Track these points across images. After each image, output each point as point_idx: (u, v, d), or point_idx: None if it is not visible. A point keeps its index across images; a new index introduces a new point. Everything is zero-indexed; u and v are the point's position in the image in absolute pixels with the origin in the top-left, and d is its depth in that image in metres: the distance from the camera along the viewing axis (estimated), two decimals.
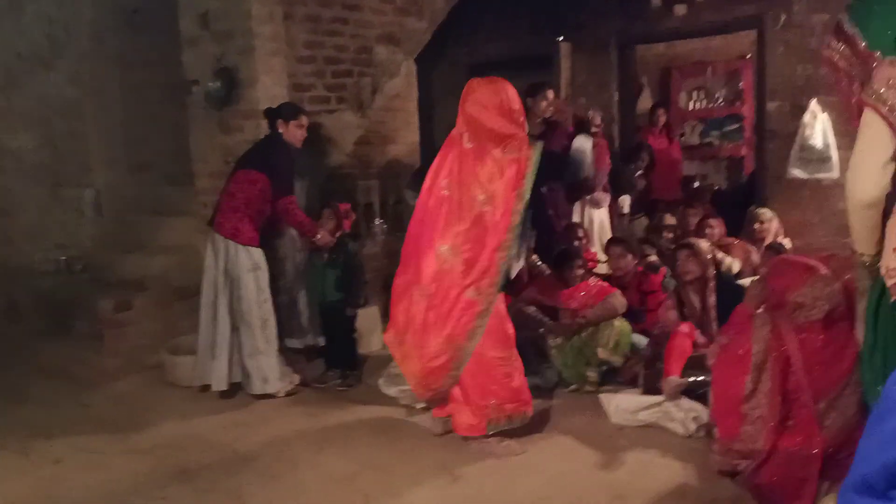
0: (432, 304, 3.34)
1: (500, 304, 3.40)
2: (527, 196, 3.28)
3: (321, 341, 4.64)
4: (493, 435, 3.39)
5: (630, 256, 4.48)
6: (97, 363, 4.71)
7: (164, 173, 5.79)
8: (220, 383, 4.24)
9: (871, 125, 2.03)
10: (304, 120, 4.46)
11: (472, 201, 3.30)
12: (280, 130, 4.36)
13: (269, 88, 4.81)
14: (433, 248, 3.36)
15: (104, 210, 6.01)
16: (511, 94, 3.35)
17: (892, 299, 2.02)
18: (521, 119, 3.37)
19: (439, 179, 3.43)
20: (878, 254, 2.09)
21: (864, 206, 2.05)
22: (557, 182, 3.69)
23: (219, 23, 4.86)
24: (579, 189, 5.06)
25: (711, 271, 3.98)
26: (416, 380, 3.47)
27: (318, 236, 4.38)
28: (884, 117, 1.99)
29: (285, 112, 4.41)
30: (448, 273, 3.32)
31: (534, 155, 3.29)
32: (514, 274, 3.49)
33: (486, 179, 3.29)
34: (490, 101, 3.34)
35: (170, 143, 5.57)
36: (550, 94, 5.11)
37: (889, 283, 2.03)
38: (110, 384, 4.58)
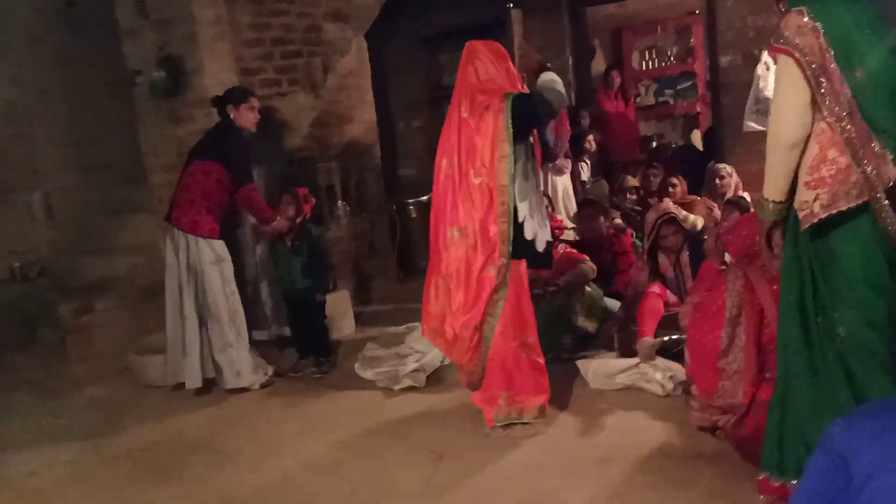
0: (454, 289, 3.23)
1: (519, 285, 3.25)
2: (510, 151, 3.10)
3: (285, 331, 4.57)
4: (501, 426, 3.28)
5: (602, 218, 4.49)
6: (65, 371, 4.61)
7: (117, 171, 5.63)
8: (193, 381, 4.16)
9: (786, 69, 2.16)
10: (255, 102, 4.33)
11: (468, 177, 3.18)
12: (231, 116, 4.24)
13: (217, 75, 4.67)
14: (446, 233, 3.26)
15: (58, 213, 5.83)
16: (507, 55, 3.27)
17: (804, 228, 2.20)
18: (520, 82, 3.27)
19: (442, 158, 3.30)
20: (784, 203, 2.25)
21: (788, 147, 2.18)
22: (541, 125, 3.49)
23: (158, 10, 4.69)
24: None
25: (686, 234, 4.00)
26: (461, 367, 3.37)
27: (275, 223, 4.28)
28: (797, 61, 2.12)
29: (234, 96, 4.28)
30: (461, 257, 3.21)
31: (505, 106, 3.10)
32: (541, 245, 3.28)
33: (479, 147, 3.15)
34: (494, 61, 3.21)
35: (120, 139, 5.41)
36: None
37: (801, 214, 2.20)
38: (81, 391, 4.48)
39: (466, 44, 3.32)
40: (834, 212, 2.15)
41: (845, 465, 1.36)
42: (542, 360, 3.33)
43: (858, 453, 1.34)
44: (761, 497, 2.41)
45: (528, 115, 3.17)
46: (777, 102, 2.20)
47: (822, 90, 2.12)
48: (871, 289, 2.19)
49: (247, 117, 4.26)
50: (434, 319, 3.34)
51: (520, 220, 3.19)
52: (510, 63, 3.29)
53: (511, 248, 3.16)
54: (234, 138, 4.21)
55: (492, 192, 3.14)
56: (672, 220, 3.88)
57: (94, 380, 4.58)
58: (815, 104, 2.15)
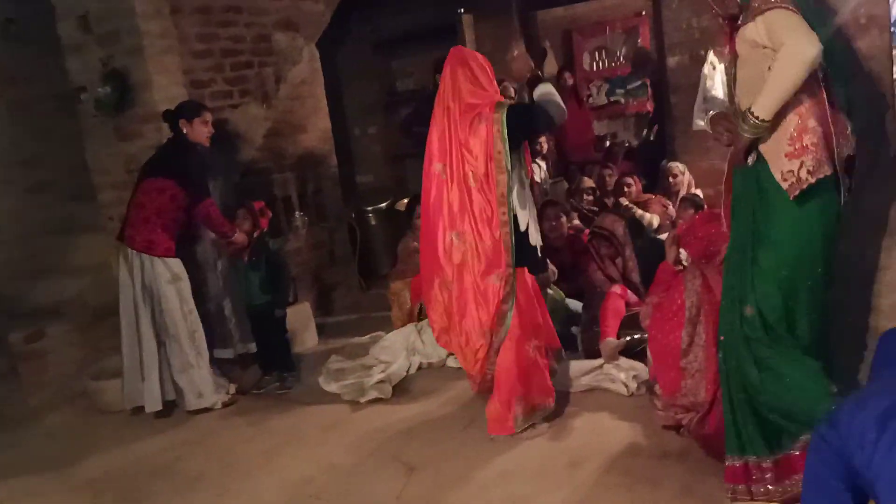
0: (458, 295, 3.22)
1: (527, 291, 3.25)
2: (506, 162, 3.11)
3: (252, 348, 4.50)
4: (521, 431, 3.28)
5: (565, 219, 4.53)
6: (19, 400, 4.45)
7: (62, 190, 5.46)
8: (153, 404, 4.06)
9: (790, 16, 2.20)
10: (208, 116, 4.24)
11: (464, 183, 3.17)
12: (184, 131, 4.15)
13: (166, 88, 4.57)
14: (446, 237, 3.24)
15: (3, 234, 5.63)
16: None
17: (793, 196, 2.27)
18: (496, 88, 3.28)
19: (434, 162, 3.28)
20: (766, 123, 2.27)
21: (810, 63, 2.18)
22: (537, 136, 3.49)
23: (101, 24, 4.57)
24: None
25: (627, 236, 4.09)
26: (470, 374, 3.37)
27: (234, 237, 4.22)
28: (795, 12, 2.19)
29: (186, 110, 4.19)
30: (463, 262, 3.20)
31: (500, 116, 3.10)
32: (539, 251, 3.31)
33: (474, 153, 3.15)
34: (475, 70, 3.22)
35: (65, 157, 5.25)
36: None
37: (786, 185, 2.28)
38: (37, 420, 4.34)
39: (452, 48, 3.34)
40: (821, 176, 2.25)
41: (846, 447, 1.42)
42: (544, 362, 3.35)
43: (864, 433, 1.39)
44: (726, 485, 2.46)
45: (524, 127, 3.19)
46: (792, 31, 2.18)
47: None
48: (801, 268, 2.31)
49: (200, 131, 4.18)
50: (444, 323, 3.32)
51: (522, 228, 3.20)
52: (492, 74, 3.29)
53: (514, 257, 3.17)
54: (188, 154, 4.12)
55: (490, 201, 3.14)
56: (600, 236, 3.95)
57: (50, 408, 4.44)
58: None
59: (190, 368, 4.06)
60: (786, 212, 2.30)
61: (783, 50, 2.18)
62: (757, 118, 2.26)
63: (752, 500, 2.41)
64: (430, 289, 3.36)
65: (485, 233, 3.16)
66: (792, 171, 2.26)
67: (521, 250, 3.21)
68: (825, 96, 2.27)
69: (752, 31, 2.28)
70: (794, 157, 2.26)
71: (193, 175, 4.09)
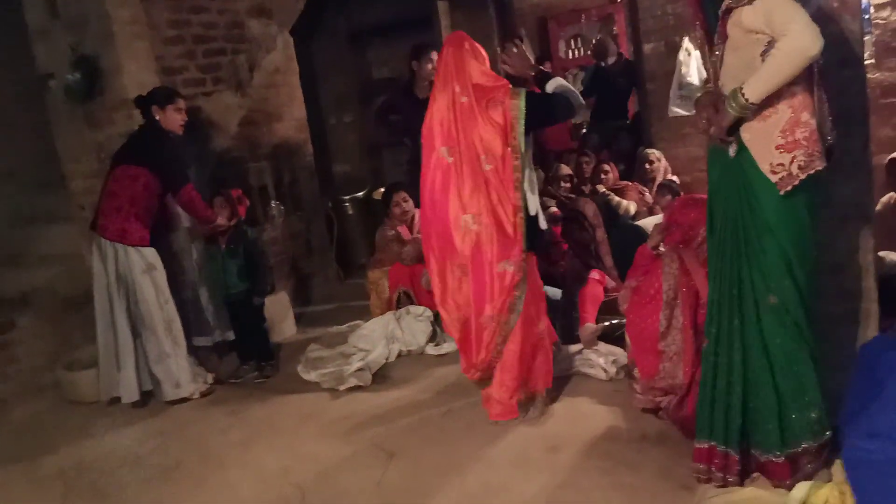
0: (472, 280, 3.17)
1: (534, 277, 3.24)
2: (522, 147, 3.09)
3: (230, 336, 4.46)
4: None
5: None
6: None
7: (31, 179, 5.34)
8: (130, 395, 4.00)
9: (792, 4, 2.16)
10: (182, 103, 4.17)
11: (476, 165, 3.13)
12: (157, 118, 4.07)
13: (136, 75, 4.47)
14: (458, 221, 3.17)
15: None
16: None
17: (784, 192, 2.24)
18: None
19: (438, 146, 3.22)
20: (754, 107, 2.23)
21: (810, 58, 2.14)
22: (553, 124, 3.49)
23: (70, 8, 4.45)
24: None
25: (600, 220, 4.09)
26: (472, 362, 3.27)
27: (217, 220, 4.17)
28: None
29: (159, 97, 4.11)
30: (477, 245, 3.15)
31: (518, 103, 3.07)
32: (543, 227, 3.30)
33: (487, 138, 3.11)
34: (477, 54, 3.20)
35: (31, 145, 5.14)
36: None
37: (776, 178, 2.25)
38: (5, 412, 4.25)
39: (453, 32, 3.33)
40: (812, 171, 2.23)
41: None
42: (549, 344, 3.35)
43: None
44: (693, 464, 2.50)
45: (543, 115, 3.18)
46: (794, 18, 2.13)
47: None
48: (800, 255, 2.29)
49: (173, 119, 4.10)
50: (455, 309, 3.26)
51: (532, 213, 3.19)
52: (485, 54, 3.27)
53: (525, 243, 3.16)
54: (161, 141, 4.04)
55: (506, 185, 3.11)
56: (571, 218, 3.95)
57: (19, 399, 4.35)
58: None
59: (167, 358, 4.01)
60: (773, 202, 2.27)
61: (786, 41, 2.13)
62: (747, 100, 2.21)
63: (711, 482, 2.44)
64: (444, 275, 3.28)
65: (500, 216, 3.14)
66: (783, 165, 2.23)
67: (532, 235, 3.20)
68: (818, 86, 2.26)
69: (749, 16, 2.22)
70: (785, 151, 2.23)
71: (170, 162, 4.02)
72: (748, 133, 2.30)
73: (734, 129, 2.32)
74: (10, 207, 5.39)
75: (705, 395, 2.48)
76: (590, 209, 4.05)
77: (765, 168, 2.26)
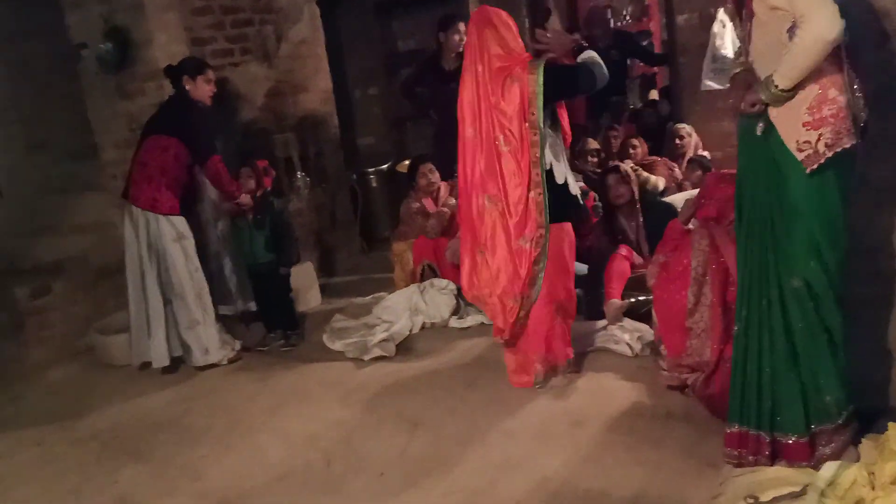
0: (489, 256, 3.23)
1: (562, 242, 3.24)
2: (540, 122, 3.07)
3: (252, 306, 4.51)
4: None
5: (625, 187, 4.47)
6: (23, 355, 4.48)
7: (65, 149, 5.43)
8: (160, 360, 4.10)
9: None
10: (211, 74, 4.20)
11: (494, 145, 3.15)
12: (187, 88, 4.10)
13: (167, 46, 4.51)
14: (479, 201, 3.23)
15: (5, 193, 5.62)
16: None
17: (810, 169, 2.21)
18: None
19: (466, 125, 3.26)
20: (788, 92, 2.20)
21: (832, 44, 2.11)
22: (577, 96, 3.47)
23: None
24: None
25: (637, 192, 4.06)
26: (500, 328, 3.33)
27: (240, 197, 4.21)
28: None
29: (190, 67, 4.13)
30: (493, 224, 3.19)
31: (536, 77, 3.04)
32: (576, 192, 3.30)
33: (506, 117, 3.11)
34: (505, 26, 3.17)
35: (65, 115, 5.21)
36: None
37: (802, 156, 2.22)
38: (42, 374, 4.38)
39: (479, 7, 3.29)
40: (839, 150, 2.19)
41: None
42: (571, 320, 3.39)
43: None
44: (725, 449, 2.48)
45: (565, 87, 3.17)
46: (813, 2, 2.10)
47: None
48: (829, 236, 2.26)
49: (203, 89, 4.14)
50: (480, 288, 3.31)
51: (560, 181, 3.19)
52: (517, 30, 3.25)
53: (549, 215, 3.15)
54: (191, 111, 4.08)
55: (520, 163, 3.11)
56: (615, 170, 3.94)
57: (54, 362, 4.48)
58: None
59: (197, 325, 4.09)
60: (801, 181, 2.23)
61: (805, 29, 2.10)
62: (778, 88, 2.18)
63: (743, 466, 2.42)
64: (467, 255, 3.35)
65: (513, 195, 3.14)
66: (809, 142, 2.20)
67: (563, 204, 3.21)
68: (847, 63, 2.20)
69: None
70: (812, 128, 2.19)
71: (198, 133, 4.06)
72: (775, 110, 2.26)
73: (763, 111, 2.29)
74: (45, 177, 5.49)
75: (736, 379, 2.45)
76: (626, 166, 4.06)
77: (791, 145, 2.23)
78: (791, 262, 2.29)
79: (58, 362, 4.49)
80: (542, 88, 3.05)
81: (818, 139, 2.19)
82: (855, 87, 2.21)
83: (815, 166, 2.20)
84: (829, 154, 2.19)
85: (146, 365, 4.17)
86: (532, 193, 3.13)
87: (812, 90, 2.19)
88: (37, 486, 3.16)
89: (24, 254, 5.08)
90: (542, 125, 3.09)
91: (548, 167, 3.16)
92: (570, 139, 3.45)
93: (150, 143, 4.05)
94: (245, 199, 4.23)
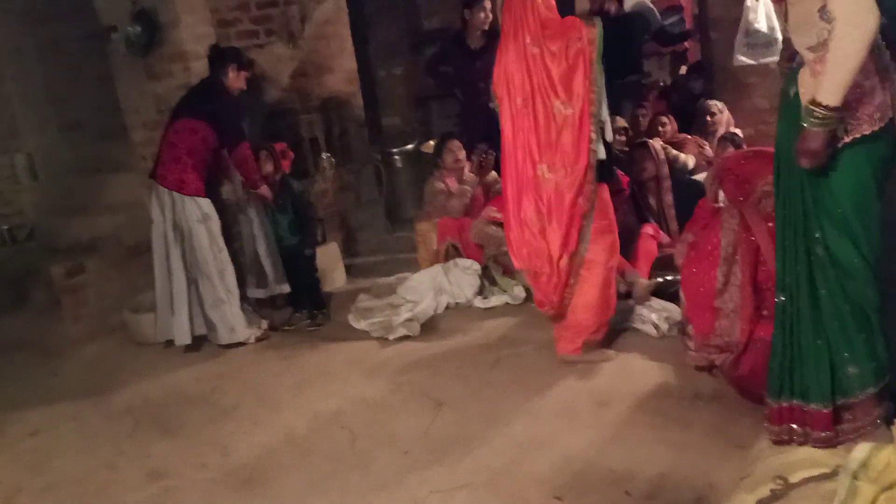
0: (548, 226, 3.23)
1: (605, 208, 3.27)
2: (600, 80, 3.08)
3: (285, 289, 4.51)
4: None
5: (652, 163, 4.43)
6: (60, 331, 4.58)
7: (96, 129, 5.50)
8: (182, 338, 4.17)
9: None
10: (250, 72, 4.30)
11: (551, 112, 3.15)
12: (229, 75, 4.15)
13: (193, 28, 4.53)
14: (535, 171, 3.23)
15: (40, 174, 5.72)
16: None
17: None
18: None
19: (514, 98, 3.24)
20: (837, 113, 2.09)
21: (871, 36, 1.99)
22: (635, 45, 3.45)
23: None
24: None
25: (665, 170, 4.01)
26: (544, 299, 3.36)
27: (260, 188, 4.25)
28: None
29: (240, 58, 4.21)
30: (552, 191, 3.20)
31: (596, 31, 3.04)
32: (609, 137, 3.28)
33: (561, 82, 3.11)
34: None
35: (96, 96, 5.27)
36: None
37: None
38: (77, 350, 4.47)
39: None
40: (858, 136, 2.14)
41: None
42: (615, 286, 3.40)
43: None
44: (771, 427, 2.42)
45: (621, 37, 3.16)
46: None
47: None
48: (856, 208, 2.20)
49: (241, 83, 4.22)
50: (528, 259, 3.32)
51: (609, 139, 3.20)
52: None
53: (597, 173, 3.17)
54: (221, 97, 4.13)
55: (581, 123, 3.11)
56: (642, 146, 3.90)
57: (89, 339, 4.58)
58: None
59: (222, 304, 4.15)
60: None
61: (839, 25, 1.99)
62: (826, 107, 2.06)
63: (791, 443, 2.38)
64: (514, 223, 3.34)
65: (573, 158, 3.14)
66: None
67: (608, 160, 3.22)
68: (879, 46, 2.12)
69: None
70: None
71: (230, 119, 4.12)
72: (803, 87, 2.21)
73: (832, 141, 2.16)
74: (79, 157, 5.57)
75: (777, 351, 2.39)
76: (657, 143, 4.01)
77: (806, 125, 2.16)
78: (817, 231, 2.26)
79: (92, 339, 4.59)
80: (602, 42, 3.04)
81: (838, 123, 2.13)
82: (889, 68, 2.13)
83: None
84: (847, 140, 2.14)
85: (169, 343, 4.25)
86: (590, 150, 3.13)
87: None
88: (74, 458, 3.25)
89: (59, 233, 5.19)
90: (601, 83, 3.08)
91: (609, 140, 3.18)
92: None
93: (180, 125, 4.10)
94: (265, 190, 4.26)
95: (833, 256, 2.24)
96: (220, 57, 4.19)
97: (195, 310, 4.17)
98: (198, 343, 4.23)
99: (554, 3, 3.16)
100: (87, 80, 5.37)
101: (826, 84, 2.06)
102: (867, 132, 2.14)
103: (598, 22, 3.06)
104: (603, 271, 3.26)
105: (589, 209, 3.19)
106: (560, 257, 3.21)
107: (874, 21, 1.97)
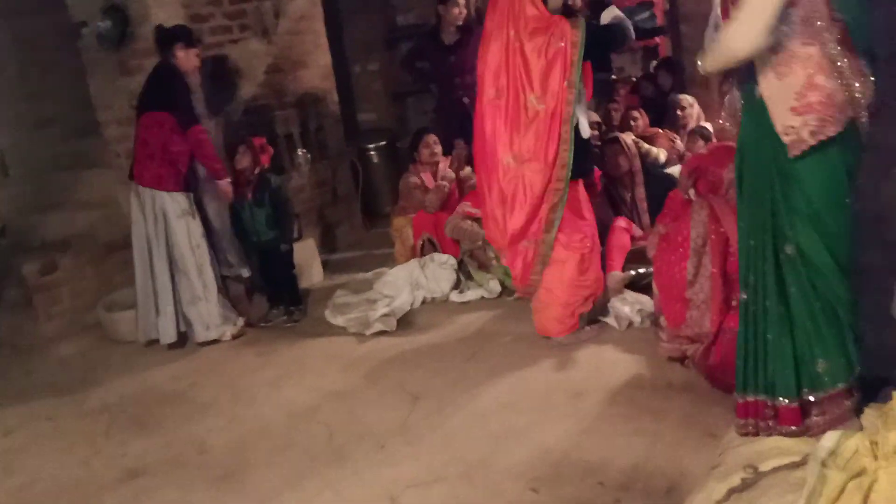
0: (509, 212, 3.36)
1: (577, 203, 3.42)
2: (578, 82, 3.20)
3: (245, 272, 4.52)
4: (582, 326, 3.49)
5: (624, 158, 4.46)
6: (33, 329, 4.54)
7: (70, 125, 5.43)
8: (168, 336, 4.15)
9: None
10: (200, 49, 4.21)
11: (525, 105, 3.25)
12: (179, 55, 4.05)
13: (165, 23, 4.47)
14: (503, 160, 3.35)
15: (11, 171, 5.63)
16: None
17: (793, 154, 2.21)
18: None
19: (489, 88, 3.35)
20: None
21: (737, 60, 2.20)
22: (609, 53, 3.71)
23: None
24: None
25: (637, 164, 4.06)
26: (517, 278, 3.52)
27: (225, 181, 4.17)
28: None
29: (185, 36, 4.09)
30: (516, 179, 3.32)
31: (579, 33, 3.16)
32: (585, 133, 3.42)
33: (538, 77, 3.21)
34: None
35: (70, 92, 5.20)
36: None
37: (788, 140, 2.21)
38: (51, 349, 4.43)
39: None
40: (823, 138, 2.18)
41: None
42: (599, 257, 3.55)
43: None
44: (737, 420, 2.46)
45: (600, 44, 3.29)
46: (743, 12, 2.11)
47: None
48: (829, 204, 2.25)
49: (193, 62, 4.11)
50: (501, 241, 3.48)
51: (584, 136, 3.33)
52: None
53: (571, 171, 3.28)
54: (176, 80, 4.03)
55: (554, 120, 3.21)
56: (615, 141, 3.95)
57: (63, 337, 4.53)
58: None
59: (199, 301, 4.13)
60: (803, 154, 2.22)
61: (725, 34, 2.18)
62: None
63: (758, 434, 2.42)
64: (486, 209, 3.50)
65: (547, 153, 3.25)
66: (794, 128, 2.19)
67: (581, 159, 3.34)
68: (843, 47, 2.16)
69: None
70: (798, 114, 2.18)
71: (181, 100, 4.02)
72: (767, 90, 2.25)
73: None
74: (52, 153, 5.49)
75: (741, 347, 2.44)
76: (629, 137, 4.09)
77: (778, 129, 2.22)
78: (787, 229, 2.29)
79: (67, 337, 4.54)
80: (584, 44, 3.15)
81: (803, 125, 2.18)
82: (847, 71, 2.16)
83: (797, 153, 2.20)
84: (813, 142, 2.18)
85: (153, 342, 4.21)
86: (559, 150, 3.24)
87: (800, 75, 2.17)
88: (48, 458, 3.22)
89: (32, 230, 5.12)
90: (578, 85, 3.20)
91: (586, 137, 3.32)
92: (590, 95, 3.54)
93: (146, 120, 4.06)
94: (226, 185, 4.18)
95: (804, 255, 2.28)
96: (165, 38, 4.10)
97: (178, 307, 4.16)
98: (182, 340, 4.21)
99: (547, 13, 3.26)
100: (61, 75, 5.30)
101: (710, 56, 2.29)
102: (832, 133, 2.17)
103: (583, 25, 3.17)
104: (575, 263, 3.38)
105: (557, 203, 3.29)
106: (522, 241, 3.37)
107: (745, 52, 2.14)
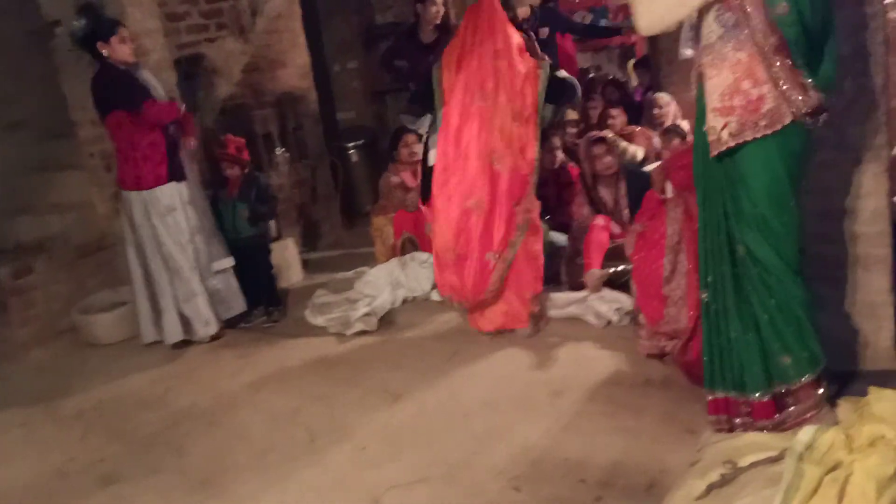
0: (485, 217, 3.59)
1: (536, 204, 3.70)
2: (541, 110, 3.61)
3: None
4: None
5: (558, 152, 4.48)
6: (7, 335, 4.45)
7: (42, 128, 5.34)
8: (173, 336, 4.12)
9: None
10: (125, 32, 4.02)
11: (507, 118, 3.57)
12: (104, 53, 3.94)
13: (141, 22, 4.43)
14: (486, 158, 3.60)
15: None
16: None
17: (712, 155, 2.27)
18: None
19: (470, 91, 3.64)
20: None
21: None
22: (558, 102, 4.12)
23: None
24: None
25: (618, 162, 4.07)
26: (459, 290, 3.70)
27: (181, 113, 4.07)
28: None
29: (101, 30, 3.95)
30: (497, 183, 3.58)
31: (543, 74, 3.58)
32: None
33: (519, 102, 3.57)
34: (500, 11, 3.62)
35: (40, 94, 5.11)
36: None
37: (710, 139, 2.26)
38: (25, 354, 4.37)
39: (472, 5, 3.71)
40: (741, 141, 2.22)
41: None
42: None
43: None
44: (709, 417, 2.50)
45: (557, 91, 3.78)
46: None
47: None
48: (773, 206, 2.27)
49: (121, 50, 3.96)
50: (455, 246, 3.67)
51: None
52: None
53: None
54: (111, 74, 3.94)
55: (526, 142, 3.58)
56: (601, 141, 3.97)
57: (37, 342, 4.46)
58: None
59: (194, 297, 4.10)
60: (746, 152, 2.24)
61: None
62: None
63: (732, 430, 2.45)
64: (442, 210, 3.73)
65: (521, 172, 3.57)
66: (714, 128, 2.23)
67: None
68: (776, 55, 2.17)
69: None
70: (720, 115, 2.22)
71: (119, 90, 3.93)
72: (701, 91, 2.30)
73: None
74: (24, 156, 5.39)
75: (707, 346, 2.48)
76: (607, 135, 4.22)
77: (704, 127, 2.27)
78: (737, 231, 2.33)
79: (41, 342, 4.48)
80: (546, 84, 3.58)
81: (724, 126, 2.21)
82: (782, 80, 2.17)
83: (716, 153, 2.24)
84: (732, 144, 2.21)
85: (154, 344, 4.18)
86: (532, 169, 3.61)
87: (727, 78, 2.21)
88: (22, 466, 3.17)
89: (4, 234, 5.03)
90: (542, 119, 3.60)
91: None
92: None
93: (108, 123, 4.02)
94: (191, 142, 4.18)
95: (753, 256, 2.31)
96: (83, 43, 4.00)
97: (178, 306, 4.12)
98: (185, 340, 4.16)
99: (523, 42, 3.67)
100: (31, 77, 5.21)
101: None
102: (749, 138, 2.21)
103: (546, 66, 3.62)
104: (528, 254, 3.62)
105: (524, 221, 3.59)
106: (487, 252, 3.58)
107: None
